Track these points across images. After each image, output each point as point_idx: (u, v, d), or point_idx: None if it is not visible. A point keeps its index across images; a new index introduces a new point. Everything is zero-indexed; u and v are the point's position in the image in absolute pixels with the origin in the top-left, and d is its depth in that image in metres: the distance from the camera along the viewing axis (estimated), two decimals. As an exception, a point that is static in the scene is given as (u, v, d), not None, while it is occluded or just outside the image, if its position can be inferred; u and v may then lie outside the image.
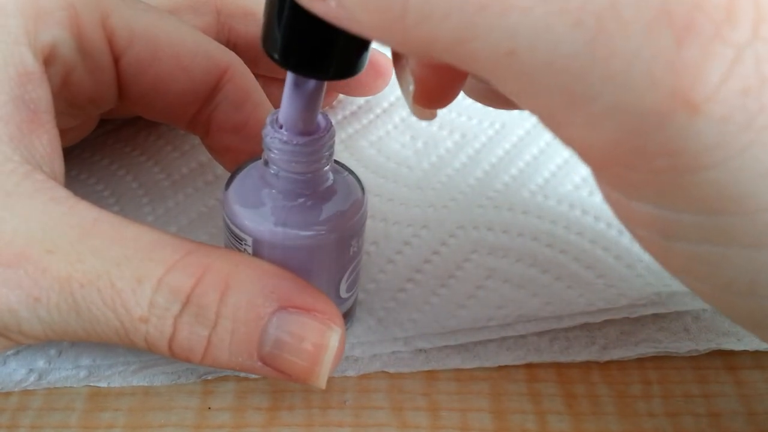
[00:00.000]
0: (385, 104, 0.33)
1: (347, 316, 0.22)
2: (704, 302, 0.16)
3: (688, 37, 0.11)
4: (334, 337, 0.18)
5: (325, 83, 0.18)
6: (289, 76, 0.17)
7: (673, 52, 0.11)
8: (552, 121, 0.13)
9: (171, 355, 0.18)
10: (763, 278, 0.13)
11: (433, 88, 0.18)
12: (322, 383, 0.18)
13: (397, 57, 0.18)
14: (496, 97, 0.20)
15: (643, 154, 0.12)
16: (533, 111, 0.13)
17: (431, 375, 0.23)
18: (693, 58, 0.11)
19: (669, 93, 0.11)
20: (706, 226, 0.13)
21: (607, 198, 0.15)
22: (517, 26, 0.11)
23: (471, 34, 0.12)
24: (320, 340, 0.18)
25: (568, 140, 0.13)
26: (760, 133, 0.11)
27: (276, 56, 0.16)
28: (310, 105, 0.18)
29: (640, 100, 0.11)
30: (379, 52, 0.31)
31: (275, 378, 0.18)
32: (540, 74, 0.12)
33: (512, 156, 0.30)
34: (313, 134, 0.19)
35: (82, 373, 0.22)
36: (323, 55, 0.16)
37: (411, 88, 0.18)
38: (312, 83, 0.18)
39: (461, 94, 0.33)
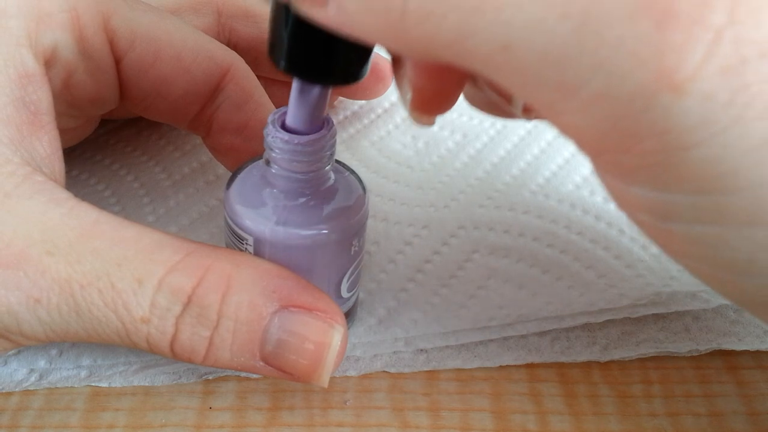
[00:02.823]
0: (387, 104, 0.33)
1: (348, 315, 0.22)
2: (706, 285, 0.16)
3: (669, 22, 0.11)
4: (336, 336, 0.18)
5: (330, 88, 0.18)
6: (295, 82, 0.18)
7: (655, 36, 0.12)
8: (548, 111, 0.14)
9: (173, 355, 0.18)
10: (761, 257, 0.13)
11: (430, 96, 0.18)
12: (324, 382, 0.18)
13: (396, 65, 0.19)
14: (496, 106, 0.20)
15: (633, 136, 0.13)
16: (530, 101, 0.14)
17: (432, 375, 0.23)
18: (674, 41, 0.12)
19: (653, 75, 0.12)
20: (700, 205, 0.13)
21: (606, 185, 0.15)
22: (510, 21, 0.12)
23: (468, 31, 0.12)
24: (322, 339, 0.18)
25: (565, 128, 0.14)
26: (743, 110, 0.12)
27: (281, 64, 0.17)
28: (315, 109, 0.19)
29: (627, 83, 0.12)
30: (381, 56, 0.31)
31: (277, 378, 0.18)
32: (534, 66, 0.12)
33: (513, 156, 0.30)
34: (315, 133, 0.19)
35: (83, 373, 0.22)
36: (326, 62, 0.16)
37: (408, 96, 0.18)
38: (317, 89, 0.18)
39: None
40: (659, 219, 0.14)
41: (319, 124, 0.19)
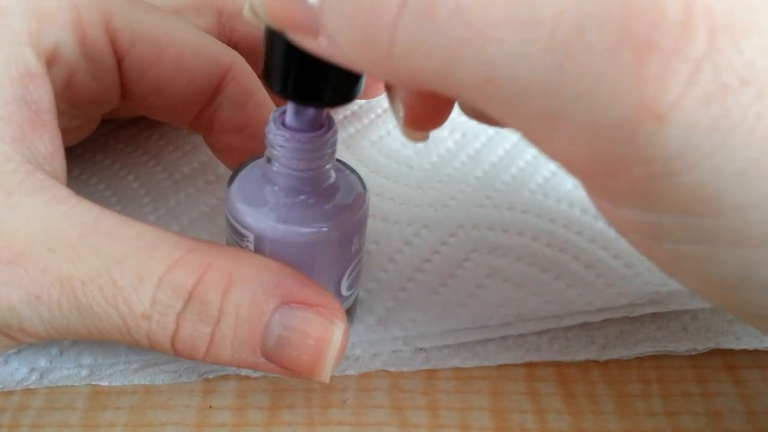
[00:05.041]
0: (386, 104, 0.33)
1: (348, 314, 0.22)
2: (700, 297, 0.16)
3: (648, 53, 0.12)
4: (337, 332, 0.18)
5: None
6: (291, 102, 0.18)
7: (635, 68, 0.12)
8: (535, 139, 0.14)
9: (174, 352, 0.18)
10: (751, 273, 0.14)
11: (423, 113, 0.19)
12: (325, 378, 0.18)
13: (388, 84, 0.19)
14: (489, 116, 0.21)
15: (619, 163, 0.13)
16: (517, 129, 0.14)
17: (431, 374, 0.23)
18: (654, 73, 0.12)
19: (635, 105, 0.12)
20: (689, 226, 0.13)
21: (597, 206, 0.15)
22: (494, 56, 0.12)
23: (454, 66, 0.13)
24: (323, 335, 0.18)
25: (553, 155, 0.14)
26: (726, 136, 0.12)
27: (276, 88, 0.17)
28: (312, 121, 0.19)
29: (610, 114, 0.12)
30: None
31: (278, 374, 0.18)
32: (518, 98, 0.13)
33: (512, 155, 0.30)
34: (316, 131, 0.19)
35: (84, 372, 0.22)
36: (319, 86, 0.17)
37: (401, 113, 0.19)
38: (312, 109, 0.19)
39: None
40: (650, 238, 0.14)
41: (317, 126, 0.19)
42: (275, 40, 0.16)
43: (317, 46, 0.14)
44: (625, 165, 0.13)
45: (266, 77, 0.17)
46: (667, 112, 0.12)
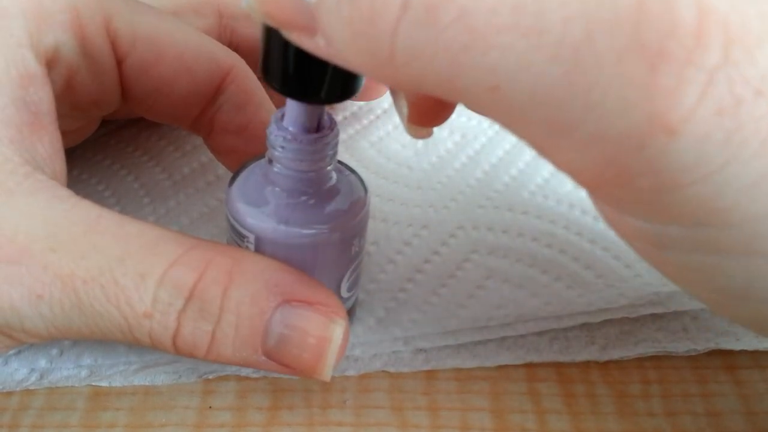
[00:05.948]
0: (386, 105, 0.33)
1: (348, 315, 0.23)
2: (702, 304, 0.16)
3: (661, 63, 0.11)
4: (338, 330, 0.18)
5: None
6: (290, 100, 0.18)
7: (646, 78, 0.11)
8: (541, 148, 0.14)
9: (175, 350, 0.18)
10: (757, 284, 0.14)
11: (427, 109, 0.18)
12: (326, 376, 0.18)
13: None
14: None
15: (627, 174, 0.13)
16: (522, 138, 0.14)
17: (431, 374, 0.23)
18: (667, 84, 0.11)
19: (646, 117, 0.12)
20: (696, 237, 0.13)
21: (602, 212, 0.15)
22: (498, 63, 0.12)
23: (456, 72, 0.12)
24: (324, 333, 0.18)
25: (560, 165, 0.14)
26: (738, 149, 0.12)
27: (275, 85, 0.17)
28: (312, 120, 0.19)
29: (619, 125, 0.12)
30: None
31: (279, 372, 0.18)
32: (524, 106, 0.12)
33: (512, 156, 0.30)
34: (317, 132, 0.19)
35: (84, 373, 0.22)
36: (318, 83, 0.17)
37: (405, 110, 0.18)
38: (311, 108, 0.18)
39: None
40: (655, 247, 0.14)
41: (319, 127, 0.19)
42: (272, 35, 0.16)
43: (314, 45, 0.14)
44: (633, 176, 0.13)
45: (264, 73, 0.17)
46: (679, 124, 0.11)
